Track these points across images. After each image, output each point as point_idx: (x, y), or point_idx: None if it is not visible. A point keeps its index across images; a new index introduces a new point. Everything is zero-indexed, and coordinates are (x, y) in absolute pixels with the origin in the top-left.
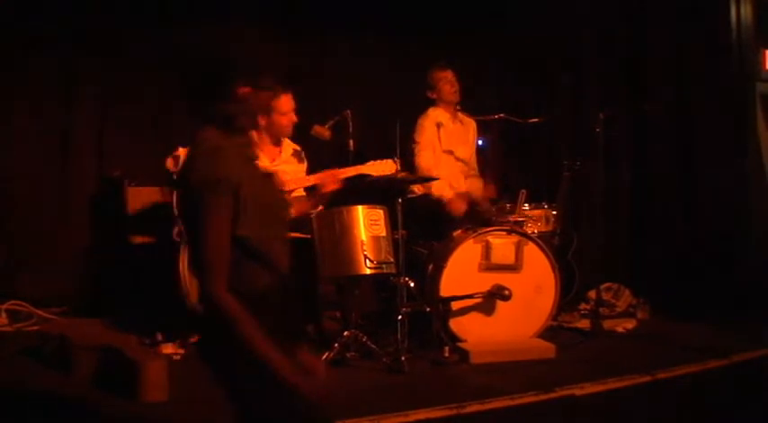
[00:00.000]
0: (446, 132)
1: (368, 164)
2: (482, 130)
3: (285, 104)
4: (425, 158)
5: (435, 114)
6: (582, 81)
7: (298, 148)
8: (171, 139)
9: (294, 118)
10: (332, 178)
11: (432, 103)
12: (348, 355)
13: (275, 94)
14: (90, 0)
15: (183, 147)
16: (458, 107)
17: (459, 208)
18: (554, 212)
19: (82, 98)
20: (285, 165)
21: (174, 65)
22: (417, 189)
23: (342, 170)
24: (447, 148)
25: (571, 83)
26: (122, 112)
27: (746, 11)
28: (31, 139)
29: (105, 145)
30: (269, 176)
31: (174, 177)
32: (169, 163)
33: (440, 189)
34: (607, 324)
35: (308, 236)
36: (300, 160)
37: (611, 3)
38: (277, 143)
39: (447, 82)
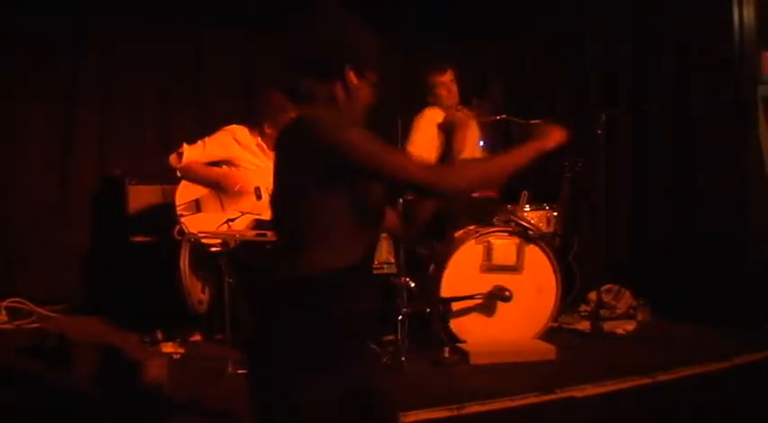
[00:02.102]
0: None
1: None
2: (484, 131)
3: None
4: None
5: (432, 115)
6: (583, 82)
7: None
8: (171, 138)
9: None
10: None
11: (430, 105)
12: None
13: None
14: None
15: (188, 143)
16: (459, 106)
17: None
18: (555, 214)
19: (83, 97)
20: None
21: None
22: None
23: None
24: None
25: (572, 84)
26: (123, 110)
27: (749, 13)
28: (31, 136)
29: (106, 143)
30: None
31: (178, 174)
32: (173, 159)
33: None
34: (607, 326)
35: None
36: None
37: (612, 4)
38: None
39: (444, 87)
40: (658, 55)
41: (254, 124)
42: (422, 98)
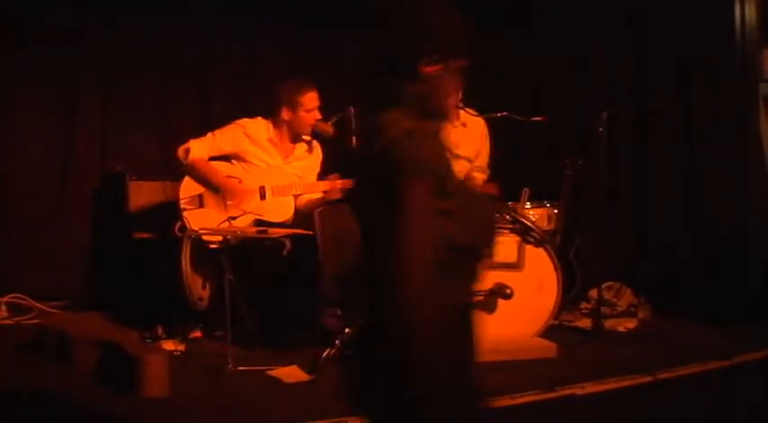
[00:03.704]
0: (445, 133)
1: None
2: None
3: (311, 101)
4: None
5: None
6: (585, 80)
7: (308, 138)
8: (173, 133)
9: (318, 115)
10: (338, 188)
11: None
12: (349, 352)
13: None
14: None
15: (194, 138)
16: (460, 104)
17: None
18: (556, 211)
19: (84, 93)
20: (297, 162)
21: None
22: None
23: (349, 181)
24: (448, 147)
25: (574, 81)
26: (124, 106)
27: (750, 11)
28: (32, 132)
29: (107, 139)
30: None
31: (185, 169)
32: (181, 153)
33: None
34: (608, 323)
35: (311, 233)
36: (310, 150)
37: (615, 2)
38: (295, 140)
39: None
40: (660, 53)
41: (268, 114)
42: None
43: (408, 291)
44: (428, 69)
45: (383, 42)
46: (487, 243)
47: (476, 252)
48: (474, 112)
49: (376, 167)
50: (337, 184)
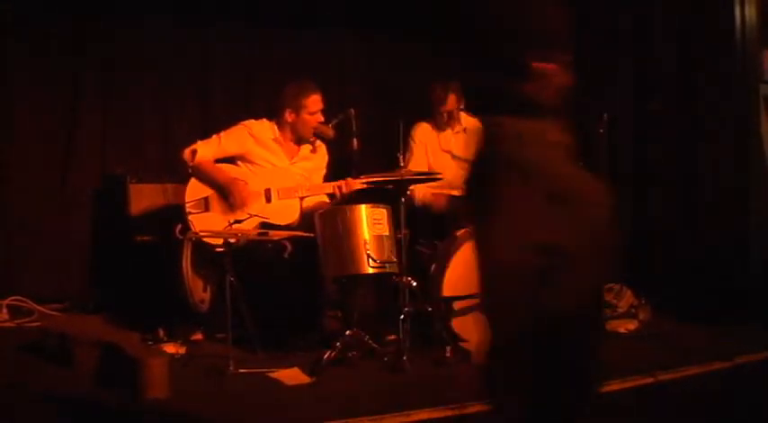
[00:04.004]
0: (444, 136)
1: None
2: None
3: (315, 104)
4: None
5: (427, 126)
6: (584, 80)
7: (311, 139)
8: (173, 135)
9: (321, 118)
10: (347, 189)
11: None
12: (349, 354)
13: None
14: None
15: (191, 141)
16: (461, 107)
17: (440, 205)
18: None
19: (84, 95)
20: (303, 162)
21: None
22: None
23: (357, 181)
24: (446, 148)
25: (573, 82)
26: (125, 106)
27: (751, 12)
28: (33, 134)
29: (107, 140)
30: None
31: (190, 171)
32: (186, 154)
33: (419, 191)
34: (609, 325)
35: (312, 235)
36: (314, 151)
37: (614, 3)
38: (299, 142)
39: (445, 110)
40: (660, 54)
41: (273, 115)
42: (426, 98)
43: (492, 303)
44: (539, 66)
45: (491, 43)
46: (585, 249)
47: (564, 256)
48: (473, 116)
49: (482, 170)
50: (346, 185)
